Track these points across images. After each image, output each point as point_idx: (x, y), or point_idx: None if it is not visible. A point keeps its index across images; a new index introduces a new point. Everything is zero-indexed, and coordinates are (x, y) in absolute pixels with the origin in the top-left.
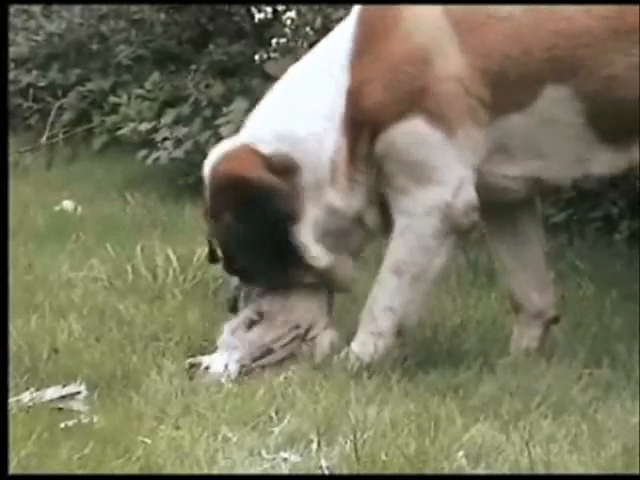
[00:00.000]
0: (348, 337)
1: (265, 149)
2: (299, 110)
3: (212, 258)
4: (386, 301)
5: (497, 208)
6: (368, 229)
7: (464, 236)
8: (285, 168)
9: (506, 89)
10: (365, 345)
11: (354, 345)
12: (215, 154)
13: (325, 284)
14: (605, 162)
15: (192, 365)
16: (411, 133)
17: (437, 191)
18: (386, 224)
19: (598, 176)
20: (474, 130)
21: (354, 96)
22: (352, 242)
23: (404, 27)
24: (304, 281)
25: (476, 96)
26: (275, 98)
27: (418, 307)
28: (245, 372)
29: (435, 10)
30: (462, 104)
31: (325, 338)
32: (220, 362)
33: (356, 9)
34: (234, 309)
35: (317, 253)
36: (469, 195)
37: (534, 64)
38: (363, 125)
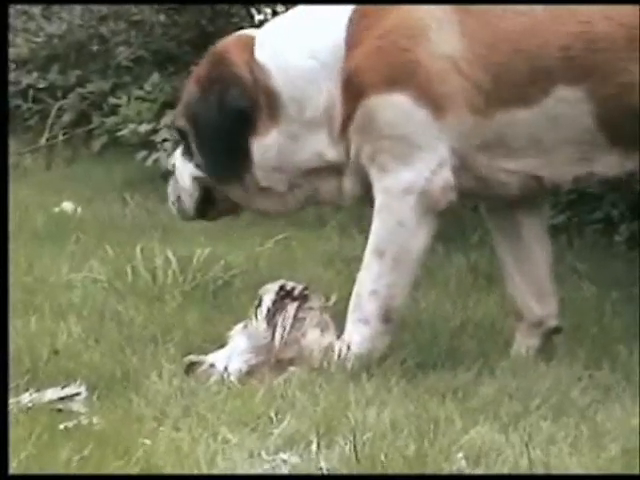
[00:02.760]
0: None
1: (260, 55)
2: (298, 42)
3: None
4: (370, 285)
5: (504, 215)
6: (341, 190)
7: (440, 215)
8: (264, 86)
9: (513, 83)
10: (354, 334)
11: (345, 335)
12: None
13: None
14: (611, 163)
15: (192, 363)
16: (396, 107)
17: (417, 169)
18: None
19: (602, 176)
20: (466, 115)
21: (346, 54)
22: (319, 189)
23: (408, 4)
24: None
25: (472, 82)
26: (297, 16)
27: (402, 290)
28: (246, 372)
29: None
30: (454, 86)
31: (324, 340)
32: (224, 360)
33: None
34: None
35: (263, 176)
36: (447, 175)
37: (547, 62)
38: (347, 87)
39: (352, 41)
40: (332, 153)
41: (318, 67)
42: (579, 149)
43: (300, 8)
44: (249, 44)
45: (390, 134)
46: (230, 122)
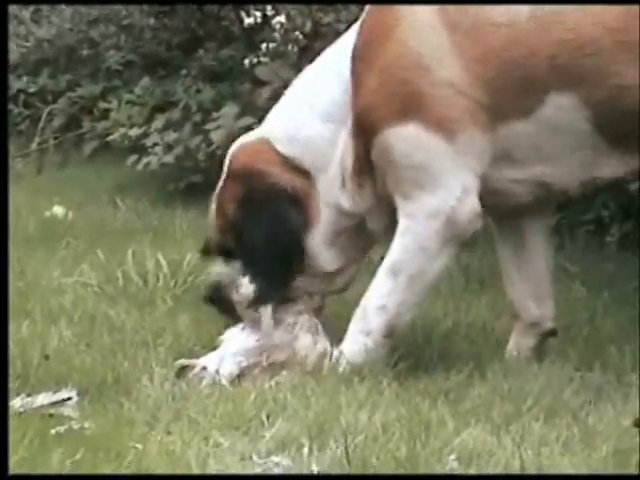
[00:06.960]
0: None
1: (281, 149)
2: (309, 111)
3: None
4: (380, 300)
5: (507, 217)
6: (371, 232)
7: (463, 243)
8: (300, 171)
9: (507, 95)
10: (354, 344)
11: (344, 344)
12: (236, 144)
13: (326, 288)
14: (616, 165)
15: (184, 367)
16: (408, 138)
17: (442, 196)
18: (392, 227)
19: (609, 178)
20: (477, 134)
21: (353, 98)
22: (359, 244)
23: (400, 33)
24: (305, 288)
25: (474, 100)
26: (290, 96)
27: (410, 308)
28: (238, 375)
29: (431, 15)
30: (460, 108)
31: (318, 345)
32: (216, 362)
33: (366, 9)
34: (211, 299)
35: (327, 258)
36: (474, 202)
37: (536, 71)
38: (359, 127)
39: (356, 82)
40: (349, 204)
41: (332, 125)
42: (581, 155)
43: (293, 86)
44: (268, 148)
45: (408, 164)
46: (294, 234)
